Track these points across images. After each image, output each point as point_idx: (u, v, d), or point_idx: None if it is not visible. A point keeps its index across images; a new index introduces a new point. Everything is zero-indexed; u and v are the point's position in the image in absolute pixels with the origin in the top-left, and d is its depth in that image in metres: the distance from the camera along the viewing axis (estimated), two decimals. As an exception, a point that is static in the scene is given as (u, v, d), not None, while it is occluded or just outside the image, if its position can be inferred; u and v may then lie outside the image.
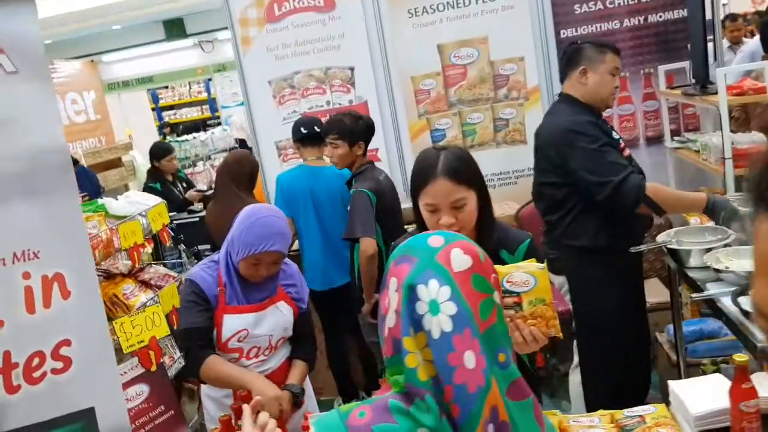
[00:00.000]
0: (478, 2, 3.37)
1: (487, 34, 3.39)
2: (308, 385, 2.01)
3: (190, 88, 11.24)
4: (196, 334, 1.81)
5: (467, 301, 0.85)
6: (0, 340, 1.28)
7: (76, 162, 5.03)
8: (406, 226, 2.89)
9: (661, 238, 2.25)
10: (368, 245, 2.53)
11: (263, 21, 3.58)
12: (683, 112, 3.38)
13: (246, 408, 1.16)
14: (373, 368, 3.22)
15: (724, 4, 6.12)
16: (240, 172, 3.02)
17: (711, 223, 2.36)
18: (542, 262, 1.30)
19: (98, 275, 1.79)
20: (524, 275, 1.28)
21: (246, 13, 3.60)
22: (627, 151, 2.30)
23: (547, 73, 3.38)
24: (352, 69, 3.56)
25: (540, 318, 1.31)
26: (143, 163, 6.93)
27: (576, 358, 2.42)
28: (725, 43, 4.60)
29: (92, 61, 7.47)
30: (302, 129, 2.99)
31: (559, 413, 1.64)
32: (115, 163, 6.86)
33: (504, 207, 3.21)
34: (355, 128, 2.68)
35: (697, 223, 2.58)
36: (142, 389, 1.96)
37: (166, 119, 11.05)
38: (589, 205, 2.18)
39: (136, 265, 2.34)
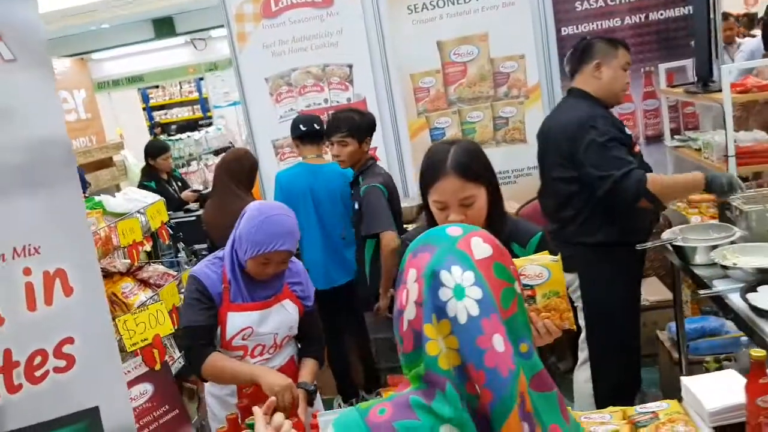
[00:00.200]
0: (479, -1, 3.36)
1: (487, 31, 3.37)
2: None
3: (180, 87, 11.14)
4: (199, 332, 1.77)
5: (490, 288, 0.83)
6: (0, 339, 1.23)
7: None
8: (405, 226, 2.86)
9: (666, 235, 2.25)
10: (390, 238, 2.51)
11: (260, 17, 3.54)
12: (683, 111, 3.38)
13: (257, 411, 1.13)
14: (373, 368, 3.19)
15: (716, 5, 6.14)
16: (239, 170, 2.98)
17: (715, 221, 2.37)
18: (555, 256, 1.29)
19: (97, 273, 1.74)
20: (538, 268, 1.27)
21: (242, 8, 3.55)
22: (637, 148, 2.31)
23: (548, 71, 3.37)
24: (350, 66, 3.53)
25: (554, 311, 1.30)
26: (135, 163, 6.85)
27: (582, 356, 2.41)
28: (718, 42, 4.62)
29: (82, 59, 7.38)
30: (302, 126, 2.95)
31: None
32: (106, 163, 6.77)
33: (504, 206, 3.18)
34: (362, 124, 2.66)
35: (699, 221, 2.59)
36: (146, 388, 1.91)
37: (157, 119, 10.94)
38: (601, 200, 2.17)
39: (135, 264, 2.29)
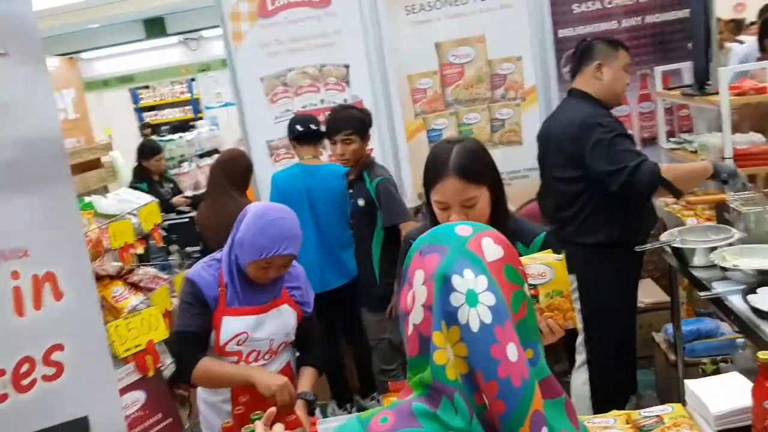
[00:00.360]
0: (476, 0, 3.34)
1: (484, 32, 3.36)
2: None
3: (172, 88, 11.04)
4: (190, 338, 1.73)
5: (502, 293, 0.80)
6: (-14, 345, 1.19)
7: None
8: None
9: (664, 237, 2.24)
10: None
11: (256, 16, 3.49)
12: (678, 114, 3.38)
13: (259, 425, 1.10)
14: (368, 372, 3.15)
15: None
16: (234, 171, 2.94)
17: (712, 223, 2.36)
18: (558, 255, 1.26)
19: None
20: (541, 267, 1.25)
21: (238, 7, 3.51)
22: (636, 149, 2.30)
23: (545, 74, 3.36)
24: (347, 67, 3.50)
25: (557, 310, 1.28)
26: (124, 164, 6.77)
27: (580, 358, 2.40)
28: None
29: (71, 58, 7.29)
30: (299, 127, 2.91)
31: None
32: (95, 164, 6.67)
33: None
34: (364, 121, 2.65)
35: (694, 223, 2.58)
36: (139, 396, 1.86)
37: (147, 120, 10.83)
38: (603, 199, 2.17)
39: (127, 267, 2.24)
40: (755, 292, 1.76)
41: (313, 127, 2.90)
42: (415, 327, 0.82)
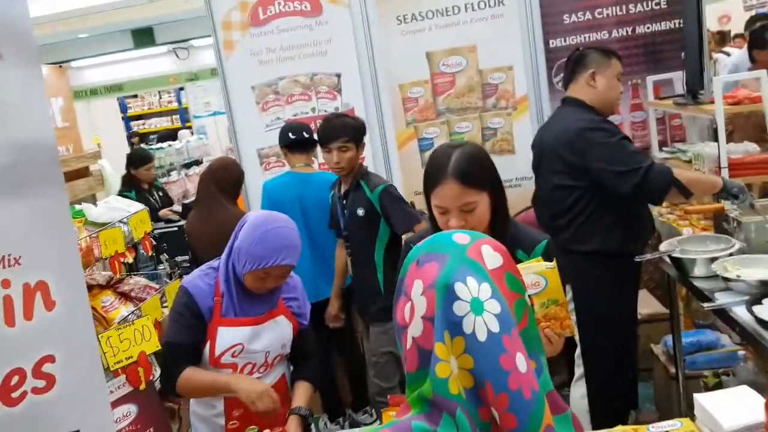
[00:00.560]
0: (468, 10, 3.35)
1: (475, 42, 3.36)
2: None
3: (160, 97, 10.96)
4: (179, 350, 1.69)
5: (506, 301, 0.77)
6: (-27, 357, 1.13)
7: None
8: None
9: (663, 247, 2.22)
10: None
11: (247, 25, 3.47)
12: (670, 123, 3.41)
13: None
14: (361, 385, 3.09)
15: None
16: (225, 179, 2.89)
17: (710, 233, 2.36)
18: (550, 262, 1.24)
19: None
20: (534, 276, 1.22)
21: (229, 16, 3.49)
22: None
23: (536, 83, 3.37)
24: (338, 75, 3.48)
25: (554, 320, 1.26)
26: (112, 173, 6.68)
27: (578, 372, 2.36)
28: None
29: (60, 66, 7.20)
30: (291, 134, 2.88)
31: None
32: (83, 173, 6.58)
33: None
34: (358, 129, 2.62)
35: (691, 233, 2.58)
36: (130, 410, 1.80)
37: (135, 129, 10.73)
38: (600, 206, 2.16)
39: (117, 276, 2.18)
40: (760, 303, 1.75)
41: (305, 135, 2.88)
42: (414, 340, 0.79)
